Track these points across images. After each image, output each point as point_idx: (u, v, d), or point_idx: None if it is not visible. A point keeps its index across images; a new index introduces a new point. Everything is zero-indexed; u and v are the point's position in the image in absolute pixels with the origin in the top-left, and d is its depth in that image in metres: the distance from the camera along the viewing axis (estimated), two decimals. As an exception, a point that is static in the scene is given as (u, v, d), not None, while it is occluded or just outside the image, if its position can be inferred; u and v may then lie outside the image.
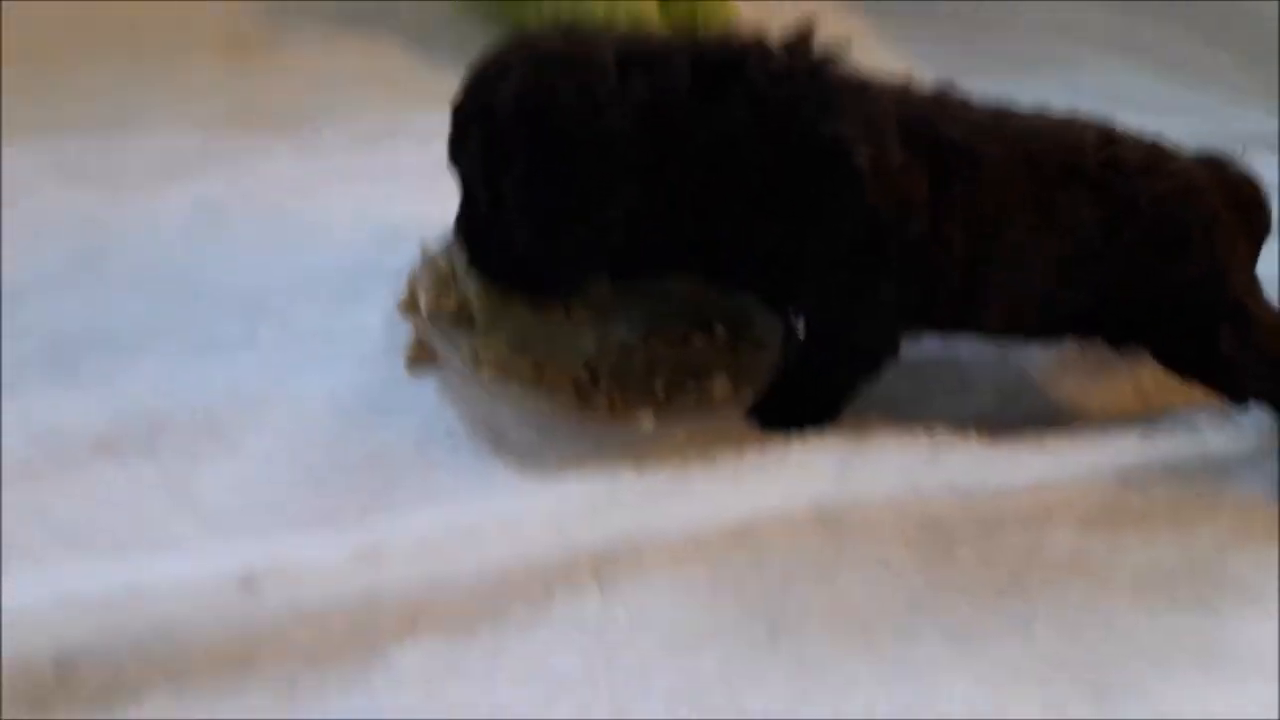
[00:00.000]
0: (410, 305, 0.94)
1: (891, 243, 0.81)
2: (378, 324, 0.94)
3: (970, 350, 0.99)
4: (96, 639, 0.65)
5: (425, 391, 0.89)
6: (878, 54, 1.37)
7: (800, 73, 0.80)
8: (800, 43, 0.82)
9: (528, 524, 0.75)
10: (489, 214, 0.84)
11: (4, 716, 0.63)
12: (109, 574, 0.68)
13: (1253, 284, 0.91)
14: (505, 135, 0.79)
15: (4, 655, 0.64)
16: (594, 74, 0.77)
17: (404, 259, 0.99)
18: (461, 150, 0.84)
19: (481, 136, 0.81)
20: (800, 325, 0.93)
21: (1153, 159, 0.87)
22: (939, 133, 0.82)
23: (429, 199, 1.08)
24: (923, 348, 0.97)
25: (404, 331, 0.93)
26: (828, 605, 0.76)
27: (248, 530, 0.76)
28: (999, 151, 0.83)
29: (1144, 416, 0.94)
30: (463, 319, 0.91)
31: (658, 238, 0.83)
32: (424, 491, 0.81)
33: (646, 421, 0.83)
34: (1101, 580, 0.82)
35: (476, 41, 1.31)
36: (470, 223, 0.87)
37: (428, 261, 0.95)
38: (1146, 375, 0.98)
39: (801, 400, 0.89)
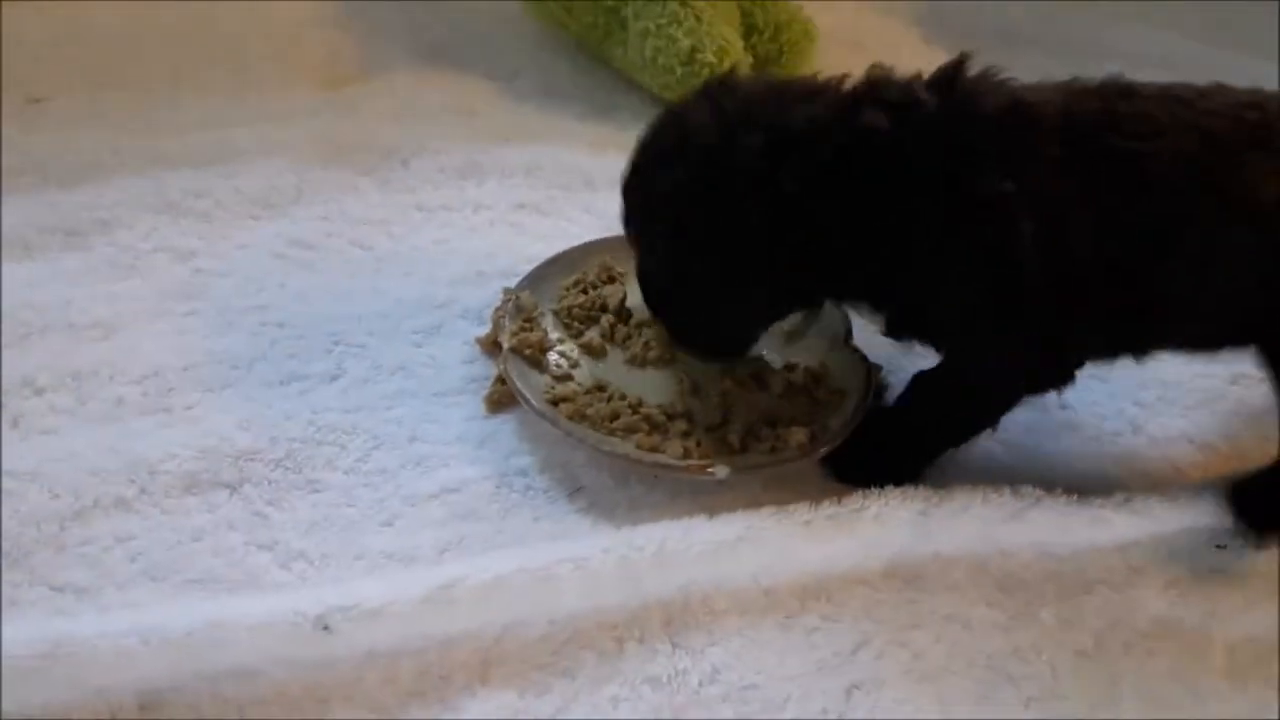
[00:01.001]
0: (492, 343, 0.95)
1: (1044, 307, 0.78)
2: (459, 360, 0.95)
3: (1058, 399, 0.97)
4: (178, 678, 0.67)
5: (503, 431, 0.89)
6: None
7: (952, 120, 0.77)
8: (950, 78, 0.79)
9: (600, 572, 0.75)
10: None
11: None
12: (191, 611, 0.70)
13: None
14: (655, 229, 0.82)
15: (91, 687, 0.67)
16: (741, 171, 0.77)
17: (486, 294, 1.00)
18: (628, 227, 0.86)
19: (641, 224, 0.84)
20: (885, 376, 0.92)
21: None
22: (1107, 146, 0.77)
23: (511, 234, 1.11)
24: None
25: (485, 369, 0.94)
26: (904, 667, 0.75)
27: (325, 568, 0.78)
28: (1176, 144, 0.77)
29: (1241, 473, 0.90)
30: (543, 359, 0.91)
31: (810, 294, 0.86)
32: (498, 530, 0.81)
33: (721, 470, 0.82)
34: (1192, 650, 0.79)
35: (561, 78, 1.35)
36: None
37: (510, 300, 0.96)
38: (1244, 431, 0.94)
39: (885, 456, 0.87)
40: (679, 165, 0.79)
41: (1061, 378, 0.84)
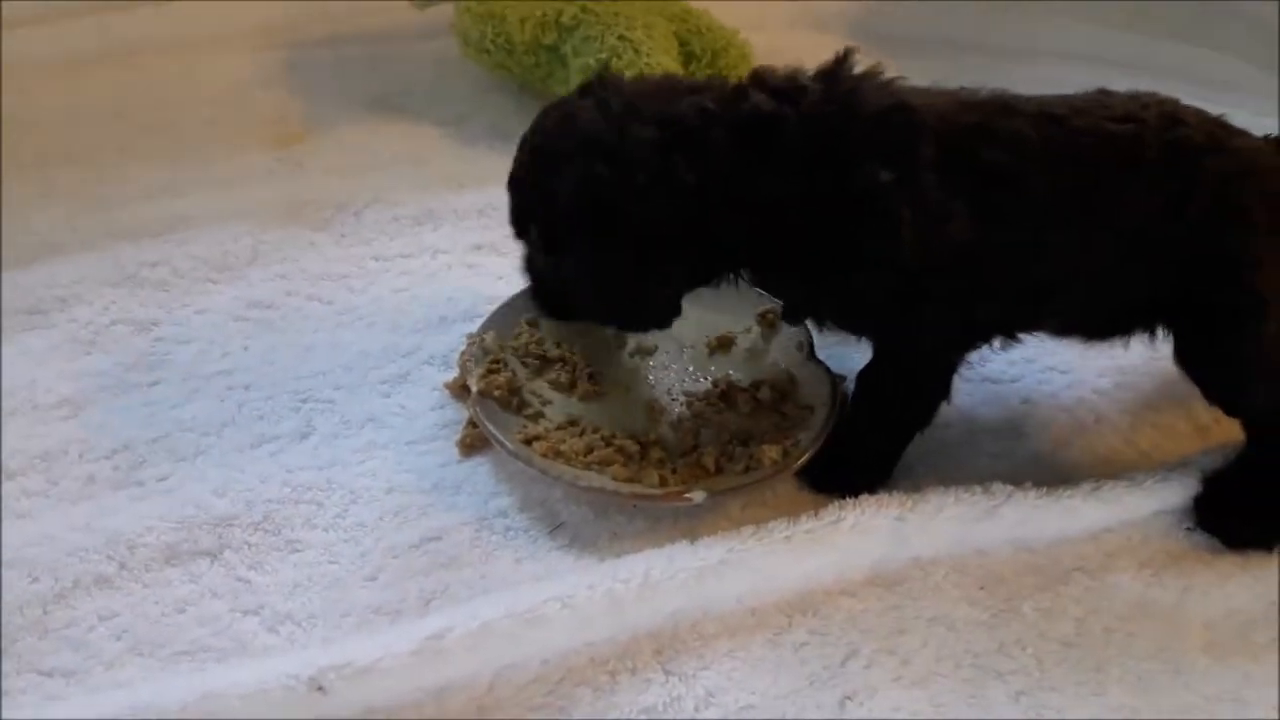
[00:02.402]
0: (460, 387, 0.96)
1: (932, 283, 0.81)
2: (428, 407, 0.96)
3: (1020, 394, 0.99)
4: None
5: (479, 474, 0.90)
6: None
7: (836, 108, 0.80)
8: (834, 70, 0.82)
9: (587, 608, 0.76)
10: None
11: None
12: (183, 684, 0.70)
13: None
14: (564, 227, 0.83)
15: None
16: (639, 165, 0.78)
17: (451, 339, 1.01)
18: (524, 224, 0.88)
19: (542, 223, 0.85)
20: (851, 380, 0.94)
21: (1217, 136, 0.85)
22: (982, 157, 0.81)
23: (471, 276, 1.11)
24: (971, 395, 0.97)
25: (455, 413, 0.94)
26: (894, 673, 0.76)
27: (314, 628, 0.78)
28: (1047, 167, 0.81)
29: (1203, 453, 0.93)
30: (513, 399, 0.92)
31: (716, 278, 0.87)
32: (482, 575, 0.82)
33: (699, 494, 0.83)
34: (1171, 628, 0.80)
35: (508, 118, 1.36)
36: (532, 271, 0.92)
37: (475, 343, 0.96)
38: (1201, 409, 0.96)
39: (854, 458, 0.89)
40: (576, 160, 0.80)
41: (972, 337, 0.87)
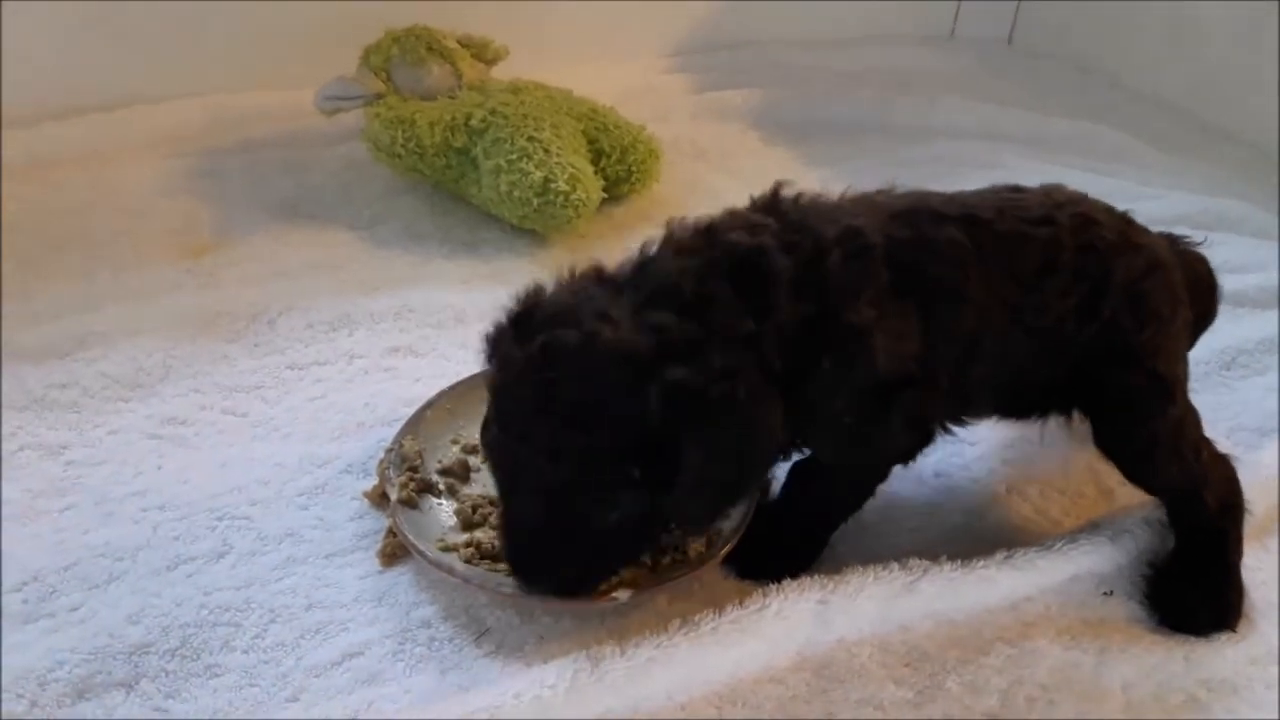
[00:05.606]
0: (379, 495, 0.95)
1: (898, 395, 0.83)
2: (347, 518, 0.95)
3: (933, 467, 1.01)
4: None
5: (400, 583, 0.89)
6: (807, 175, 1.43)
7: (800, 237, 0.81)
8: (774, 202, 0.85)
9: (514, 716, 0.74)
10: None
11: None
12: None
13: (1183, 369, 0.92)
14: (668, 436, 0.74)
15: None
16: (695, 348, 0.75)
17: (369, 445, 1.01)
18: (601, 464, 0.76)
19: (637, 451, 0.75)
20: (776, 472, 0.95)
21: (1125, 236, 0.90)
22: (926, 273, 0.83)
23: (388, 380, 1.11)
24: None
25: (375, 522, 0.94)
26: (823, 760, 0.76)
27: (235, 757, 0.76)
28: (980, 274, 0.85)
29: (1110, 516, 0.96)
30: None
31: None
32: (406, 690, 0.80)
33: (624, 593, 0.83)
34: (1092, 692, 0.82)
35: (422, 220, 1.38)
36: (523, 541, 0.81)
37: (394, 449, 0.96)
38: (1108, 473, 0.99)
39: (785, 544, 0.90)
40: (641, 379, 0.74)
41: (924, 443, 0.90)
